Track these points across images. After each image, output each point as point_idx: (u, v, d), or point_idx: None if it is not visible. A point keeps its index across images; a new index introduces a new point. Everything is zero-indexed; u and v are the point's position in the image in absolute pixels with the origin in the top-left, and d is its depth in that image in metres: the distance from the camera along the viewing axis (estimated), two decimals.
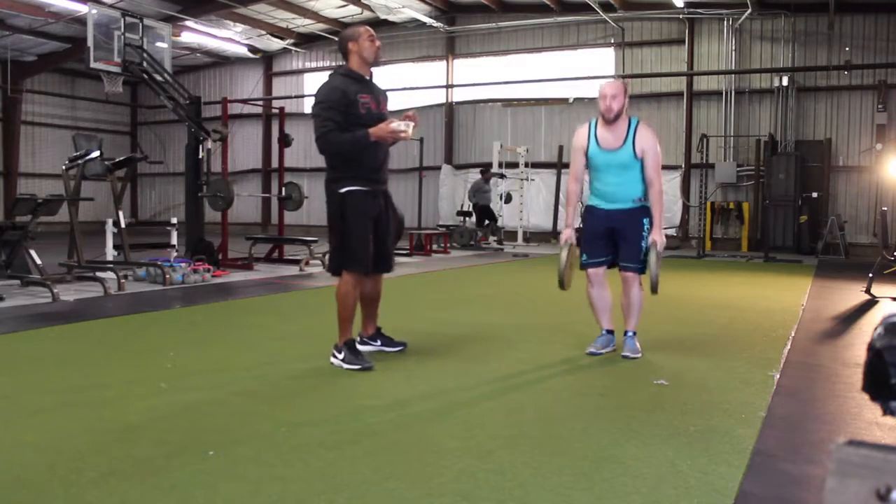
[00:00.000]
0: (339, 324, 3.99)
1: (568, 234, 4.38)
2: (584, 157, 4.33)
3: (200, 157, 9.15)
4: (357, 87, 3.94)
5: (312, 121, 3.94)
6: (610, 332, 4.41)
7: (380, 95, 4.10)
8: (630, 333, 4.32)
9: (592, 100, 16.98)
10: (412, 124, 3.88)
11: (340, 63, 4.13)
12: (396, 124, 3.81)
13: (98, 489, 2.23)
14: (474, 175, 16.36)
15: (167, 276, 7.47)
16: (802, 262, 12.17)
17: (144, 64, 9.29)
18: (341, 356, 3.92)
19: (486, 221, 15.25)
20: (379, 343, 4.28)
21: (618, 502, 2.19)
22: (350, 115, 3.86)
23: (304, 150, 20.25)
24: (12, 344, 4.59)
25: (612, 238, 4.32)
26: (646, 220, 4.25)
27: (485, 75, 18.12)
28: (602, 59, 17.15)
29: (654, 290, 4.21)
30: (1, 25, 16.73)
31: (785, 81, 15.05)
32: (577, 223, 4.44)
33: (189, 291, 7.21)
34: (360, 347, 4.17)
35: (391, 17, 17.18)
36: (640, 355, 4.24)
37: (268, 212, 20.85)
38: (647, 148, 4.20)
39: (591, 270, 4.33)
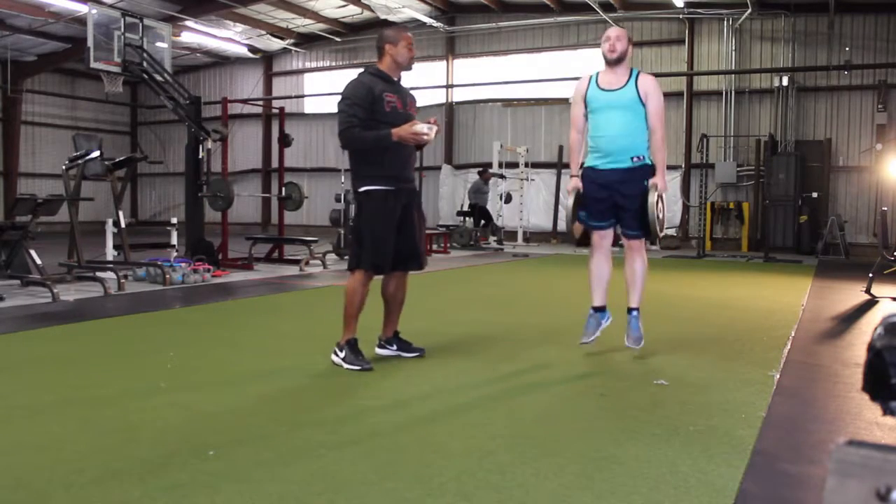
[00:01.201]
0: (343, 320, 3.98)
1: (575, 183, 4.28)
2: (583, 104, 4.28)
3: (200, 157, 9.16)
4: (384, 86, 3.97)
5: (337, 116, 3.97)
6: (600, 309, 4.34)
7: (406, 97, 4.12)
8: (634, 313, 4.28)
9: None
10: (435, 128, 3.91)
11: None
12: (419, 127, 3.84)
13: (98, 489, 2.23)
14: (475, 175, 16.38)
15: (167, 276, 7.47)
16: (802, 263, 12.17)
17: (144, 64, 9.29)
18: (342, 355, 3.92)
19: (483, 222, 15.26)
20: (395, 348, 4.21)
21: (618, 502, 2.19)
22: (375, 112, 3.89)
23: (304, 150, 20.28)
24: (12, 344, 4.59)
25: (613, 204, 4.21)
26: (646, 182, 4.11)
27: (485, 75, 18.13)
28: (602, 59, 17.11)
29: (653, 239, 4.16)
30: (1, 25, 16.73)
31: (785, 81, 15.06)
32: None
33: (189, 291, 7.21)
34: (377, 351, 4.18)
35: (391, 17, 17.19)
36: (642, 344, 4.22)
37: (268, 212, 20.85)
38: (650, 91, 4.15)
39: (595, 234, 4.26)
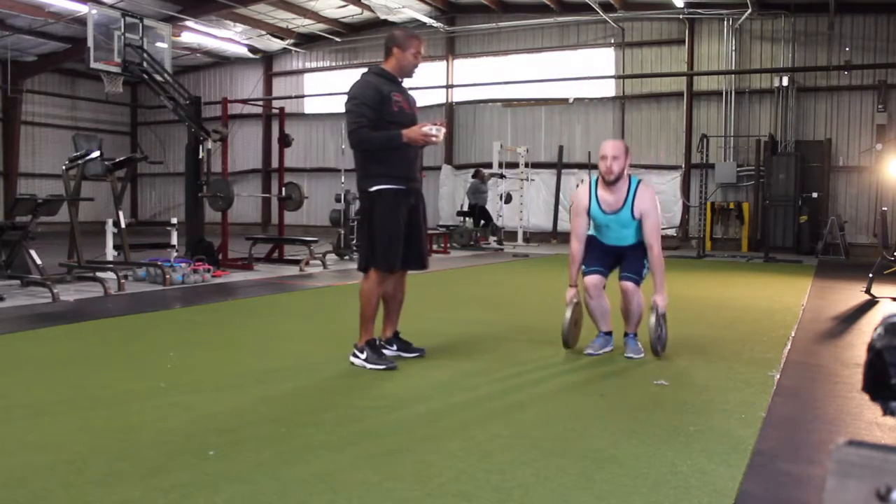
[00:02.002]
0: (360, 322, 3.97)
1: (572, 294, 4.39)
2: (586, 217, 4.36)
3: (200, 157, 9.16)
4: (390, 87, 3.99)
5: (345, 116, 3.97)
6: (608, 333, 4.41)
7: (410, 98, 4.15)
8: (631, 334, 4.32)
9: (593, 100, 17.16)
10: (443, 130, 3.93)
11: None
12: (429, 128, 3.87)
13: (98, 489, 2.23)
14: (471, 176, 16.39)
15: (167, 276, 7.47)
16: (802, 263, 12.17)
17: (144, 64, 9.29)
18: (363, 356, 3.91)
19: (482, 222, 15.26)
20: (395, 348, 4.20)
21: (618, 502, 2.19)
22: (383, 111, 3.90)
23: (304, 150, 20.27)
24: (12, 344, 4.59)
25: (615, 256, 4.38)
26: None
27: (485, 75, 18.12)
28: (602, 59, 17.15)
29: (655, 353, 4.21)
30: (1, 25, 16.73)
31: (785, 81, 15.05)
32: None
33: (189, 292, 7.21)
34: None
35: (391, 17, 17.19)
36: (642, 355, 4.24)
37: (268, 212, 20.85)
38: (645, 211, 4.21)
39: (588, 280, 4.33)
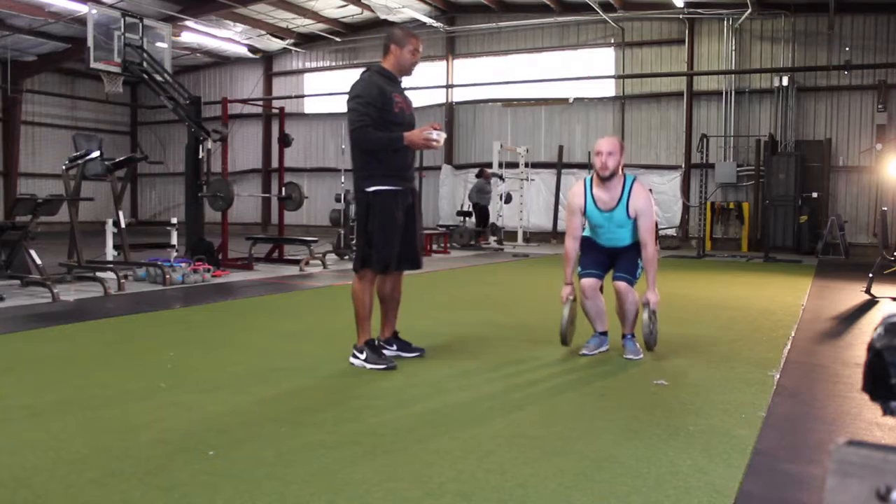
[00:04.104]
0: (357, 323, 3.98)
1: (568, 292, 4.40)
2: (581, 216, 4.37)
3: (200, 157, 9.16)
4: (392, 88, 4.01)
5: (347, 114, 3.95)
6: (603, 333, 4.42)
7: (408, 99, 4.17)
8: (629, 336, 4.33)
9: (592, 100, 17.16)
10: (443, 134, 3.96)
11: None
12: (429, 132, 3.89)
13: (98, 489, 2.23)
14: (475, 176, 16.38)
15: (167, 276, 7.47)
16: (802, 262, 12.17)
17: (144, 64, 9.30)
18: (363, 356, 3.91)
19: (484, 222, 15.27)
20: (395, 348, 4.19)
21: (618, 502, 2.19)
22: (385, 112, 3.91)
23: (304, 150, 20.27)
24: (12, 344, 4.59)
25: (610, 257, 4.40)
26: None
27: (485, 75, 18.13)
28: (602, 59, 17.16)
29: (648, 347, 4.25)
30: (1, 25, 16.73)
31: (785, 81, 15.06)
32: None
33: (189, 291, 7.21)
34: None
35: (391, 17, 17.19)
36: (641, 356, 4.24)
37: (268, 212, 20.86)
38: (640, 209, 4.23)
39: (585, 282, 4.34)
